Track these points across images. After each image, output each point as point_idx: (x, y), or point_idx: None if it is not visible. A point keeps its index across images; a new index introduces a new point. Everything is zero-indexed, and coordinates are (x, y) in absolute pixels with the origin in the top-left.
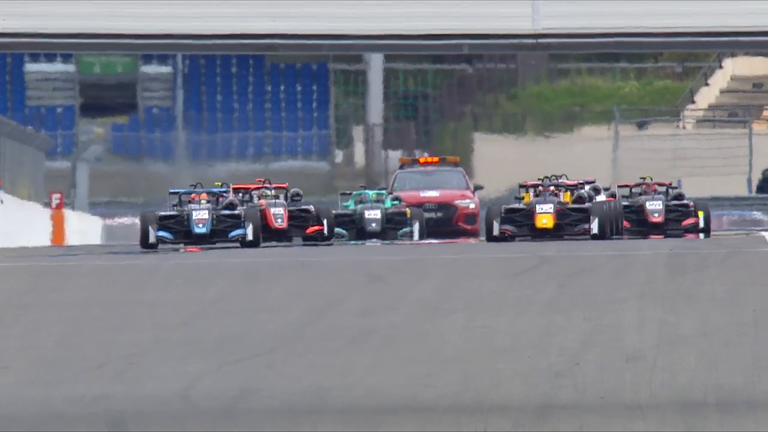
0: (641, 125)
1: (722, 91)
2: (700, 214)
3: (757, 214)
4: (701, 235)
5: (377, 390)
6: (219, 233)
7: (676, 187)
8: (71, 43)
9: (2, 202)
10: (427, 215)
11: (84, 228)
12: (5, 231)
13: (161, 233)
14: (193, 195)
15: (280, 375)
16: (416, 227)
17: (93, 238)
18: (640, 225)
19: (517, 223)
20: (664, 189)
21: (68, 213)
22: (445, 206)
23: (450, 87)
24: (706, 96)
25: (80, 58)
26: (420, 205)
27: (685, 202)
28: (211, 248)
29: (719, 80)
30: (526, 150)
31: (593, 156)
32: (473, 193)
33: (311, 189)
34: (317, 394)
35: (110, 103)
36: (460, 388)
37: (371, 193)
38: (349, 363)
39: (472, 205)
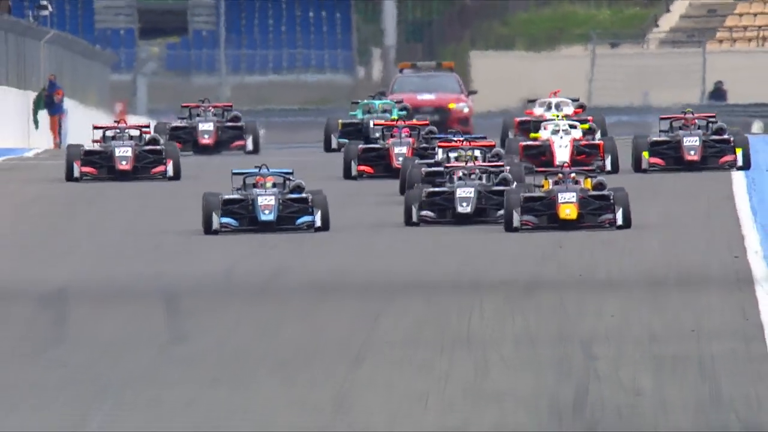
0: (613, 46)
1: (682, 17)
2: (738, 151)
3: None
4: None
5: (390, 270)
6: (286, 219)
7: (715, 121)
8: None
9: (66, 111)
10: (422, 118)
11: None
12: (76, 134)
13: (225, 220)
14: (258, 177)
15: (309, 258)
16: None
17: None
18: (676, 162)
19: (538, 212)
20: (704, 123)
21: (129, 119)
22: (440, 109)
23: (451, 15)
24: (668, 21)
25: None
26: (417, 107)
27: (725, 137)
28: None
29: (679, 7)
30: (515, 65)
31: (573, 71)
32: (467, 97)
33: (337, 100)
34: (341, 273)
35: (164, 26)
36: (460, 269)
37: (378, 104)
38: (368, 246)
39: (465, 109)
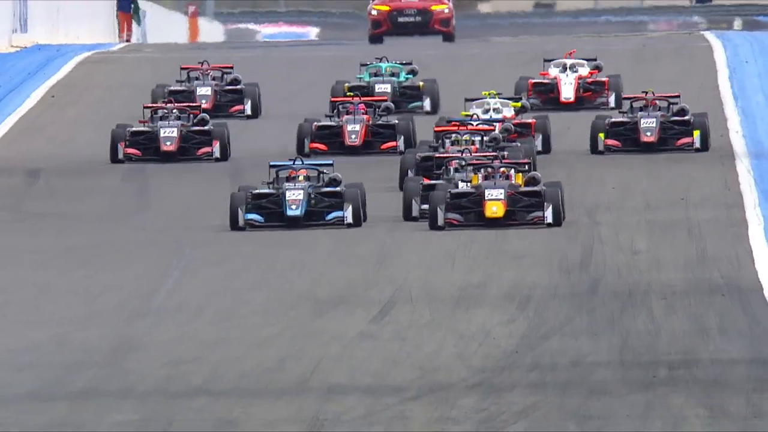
0: None
1: None
2: (696, 133)
3: (696, 18)
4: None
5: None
6: (316, 214)
7: (677, 102)
8: None
9: (145, 12)
10: (406, 19)
11: (212, 30)
12: (155, 32)
13: (250, 216)
14: (290, 171)
15: None
16: (427, 102)
17: (218, 38)
18: (633, 144)
19: (465, 210)
20: (665, 104)
21: (200, 20)
22: (423, 11)
23: None
24: None
25: None
26: (400, 10)
27: (685, 118)
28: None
29: None
30: None
31: None
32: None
33: None
34: None
35: None
36: None
37: (385, 66)
38: None
39: (446, 10)
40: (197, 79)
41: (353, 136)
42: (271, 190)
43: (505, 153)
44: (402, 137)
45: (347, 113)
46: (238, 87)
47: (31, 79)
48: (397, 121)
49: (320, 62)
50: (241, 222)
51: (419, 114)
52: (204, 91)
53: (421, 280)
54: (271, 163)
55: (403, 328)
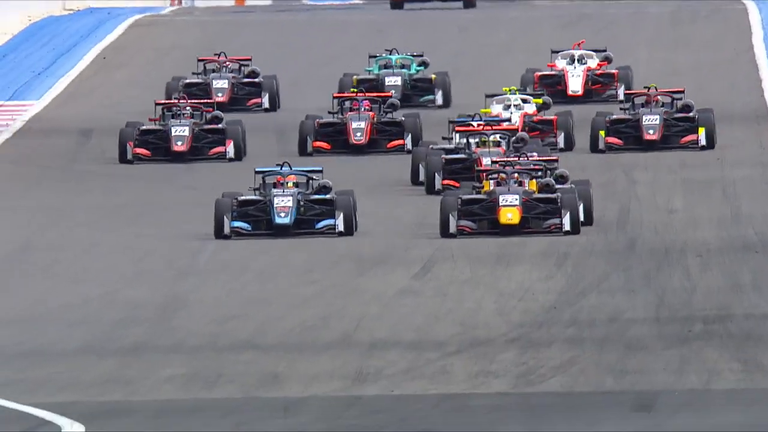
0: None
1: None
2: (701, 130)
3: None
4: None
5: None
6: (306, 222)
7: (681, 98)
8: None
9: None
10: None
11: None
12: None
13: (237, 224)
14: (278, 177)
15: None
16: (440, 95)
17: (265, 1)
18: (635, 142)
19: (477, 217)
20: (669, 100)
21: None
22: None
23: None
24: None
25: None
26: None
27: (690, 115)
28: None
29: None
30: None
31: None
32: None
33: None
34: None
35: None
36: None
37: (395, 58)
38: None
39: None
40: (214, 71)
41: (358, 134)
42: (258, 197)
43: (535, 154)
44: (410, 135)
45: (351, 110)
46: (256, 80)
47: (84, 41)
48: (403, 118)
49: (347, 27)
50: (226, 230)
51: (431, 108)
52: (221, 83)
53: (461, 240)
54: (257, 169)
55: (444, 285)
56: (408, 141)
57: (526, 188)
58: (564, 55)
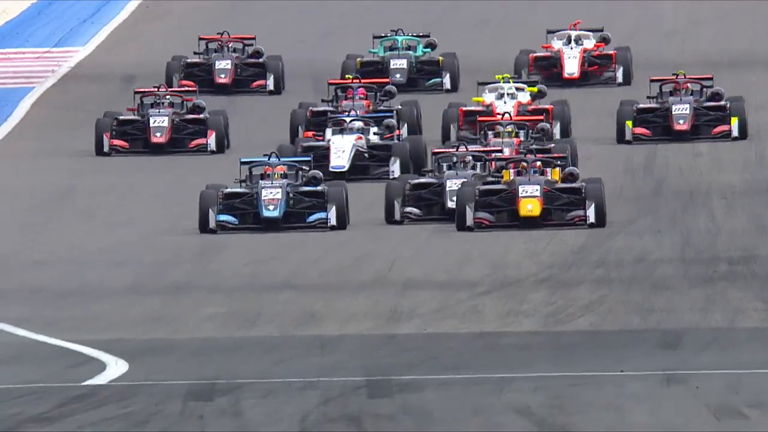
0: None
1: None
2: (734, 120)
3: None
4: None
5: None
6: (296, 215)
7: (711, 85)
8: None
9: None
10: None
11: None
12: None
13: (222, 218)
14: (266, 168)
15: None
16: (447, 78)
17: None
18: (665, 132)
19: (496, 208)
20: (698, 87)
21: None
22: None
23: None
24: None
25: None
26: None
27: (721, 104)
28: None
29: None
30: None
31: None
32: None
33: None
34: None
35: None
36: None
37: (401, 39)
38: None
39: None
40: (216, 51)
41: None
42: (245, 189)
43: (551, 146)
44: (406, 125)
45: (346, 98)
46: (260, 60)
47: None
48: (400, 106)
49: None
50: (212, 224)
51: (438, 92)
52: (223, 64)
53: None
54: (242, 160)
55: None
56: (404, 131)
57: (549, 178)
58: (560, 35)
